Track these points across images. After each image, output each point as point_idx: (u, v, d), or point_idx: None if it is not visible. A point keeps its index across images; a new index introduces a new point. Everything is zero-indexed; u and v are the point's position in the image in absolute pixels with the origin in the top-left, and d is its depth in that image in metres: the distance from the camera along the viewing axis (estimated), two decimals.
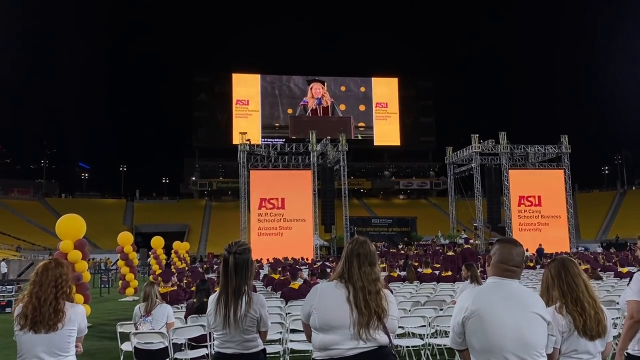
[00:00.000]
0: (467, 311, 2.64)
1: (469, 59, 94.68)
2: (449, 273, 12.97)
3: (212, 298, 3.41)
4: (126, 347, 6.47)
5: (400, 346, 7.11)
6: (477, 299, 2.66)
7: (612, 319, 7.16)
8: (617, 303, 7.29)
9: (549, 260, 3.33)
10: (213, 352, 3.52)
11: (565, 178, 36.52)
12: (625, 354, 3.57)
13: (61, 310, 3.33)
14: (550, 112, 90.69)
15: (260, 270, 19.03)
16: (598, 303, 3.03)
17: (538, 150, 37.34)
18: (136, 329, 6.04)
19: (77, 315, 3.44)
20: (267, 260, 24.46)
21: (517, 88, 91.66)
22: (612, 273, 13.09)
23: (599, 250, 32.17)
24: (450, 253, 18.98)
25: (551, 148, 37.25)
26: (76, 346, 3.49)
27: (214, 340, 3.45)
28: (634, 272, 3.81)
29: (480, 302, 2.64)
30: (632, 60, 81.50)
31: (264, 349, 3.42)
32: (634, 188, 67.59)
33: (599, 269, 13.32)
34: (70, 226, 11.95)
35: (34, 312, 3.28)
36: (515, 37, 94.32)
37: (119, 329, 6.79)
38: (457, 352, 2.80)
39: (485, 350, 2.59)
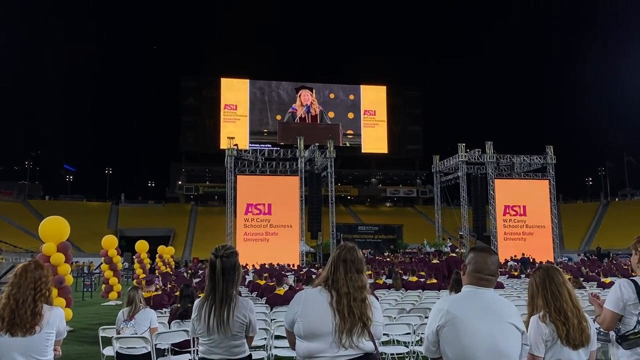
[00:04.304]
0: (441, 320, 2.63)
1: (457, 69, 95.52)
2: (434, 281, 13.01)
3: (197, 303, 3.35)
4: (108, 351, 6.38)
5: (385, 353, 7.10)
6: (451, 308, 2.64)
7: (596, 328, 7.23)
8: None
9: (534, 269, 3.34)
10: (197, 358, 3.47)
11: (550, 188, 36.88)
12: None
13: (39, 313, 3.25)
14: (536, 123, 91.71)
15: (246, 276, 18.92)
16: (582, 312, 3.04)
17: (524, 160, 37.69)
18: (118, 334, 5.96)
19: (55, 318, 3.36)
20: (253, 265, 24.35)
21: (504, 98, 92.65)
22: (595, 283, 13.22)
23: (585, 259, 32.49)
24: (435, 261, 19.07)
25: (536, 158, 37.62)
26: (54, 349, 3.40)
27: (198, 346, 3.40)
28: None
29: (455, 311, 2.63)
30: (618, 71, 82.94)
31: (250, 355, 3.38)
32: (616, 199, 68.55)
33: (582, 279, 13.44)
34: (54, 229, 11.81)
35: (11, 314, 3.20)
36: (502, 49, 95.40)
37: (101, 334, 6.70)
38: None
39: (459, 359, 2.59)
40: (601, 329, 3.64)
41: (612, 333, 3.56)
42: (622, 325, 3.46)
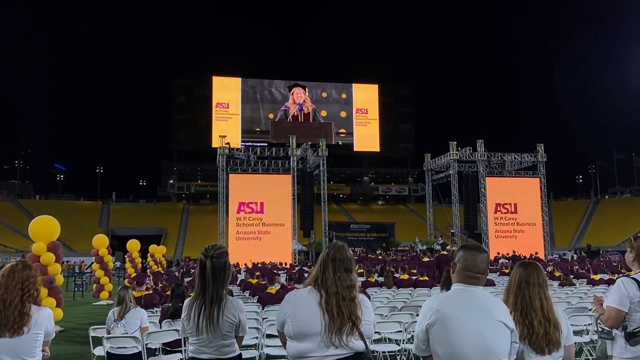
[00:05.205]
0: (430, 318, 2.63)
1: (449, 68, 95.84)
2: (426, 278, 13.03)
3: (187, 302, 3.33)
4: (98, 351, 6.35)
5: (377, 351, 7.11)
6: (441, 306, 2.64)
7: (585, 325, 7.29)
8: (590, 310, 7.43)
9: (518, 263, 3.32)
10: (187, 358, 3.46)
11: (540, 186, 37.07)
12: None
13: (27, 314, 3.22)
14: (527, 121, 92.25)
15: (238, 275, 18.89)
16: (552, 323, 2.96)
17: (514, 158, 37.82)
18: (109, 333, 5.92)
19: (43, 318, 3.32)
20: (245, 264, 24.30)
21: (495, 97, 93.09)
22: (585, 280, 13.30)
23: (575, 257, 32.70)
24: (426, 259, 19.12)
25: (527, 156, 37.78)
26: (43, 350, 3.37)
27: (188, 345, 3.39)
28: (616, 278, 3.84)
29: (444, 309, 2.62)
30: (609, 70, 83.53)
31: (240, 354, 3.37)
32: (606, 197, 69.06)
33: (572, 276, 13.54)
34: (44, 228, 11.73)
35: None
36: (494, 48, 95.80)
37: (92, 333, 6.67)
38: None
39: (448, 358, 2.58)
40: (604, 327, 3.64)
41: (615, 331, 3.56)
42: (629, 323, 3.47)
